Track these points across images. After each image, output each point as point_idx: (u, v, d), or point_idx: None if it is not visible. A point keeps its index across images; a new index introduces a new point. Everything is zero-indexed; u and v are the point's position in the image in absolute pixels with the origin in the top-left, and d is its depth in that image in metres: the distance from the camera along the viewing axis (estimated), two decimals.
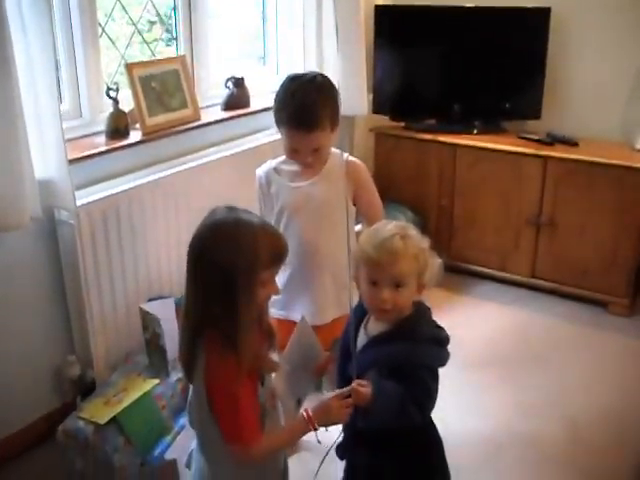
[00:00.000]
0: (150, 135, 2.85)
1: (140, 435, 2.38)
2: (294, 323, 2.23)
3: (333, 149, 2.29)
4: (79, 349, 2.69)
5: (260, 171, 2.31)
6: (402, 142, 3.92)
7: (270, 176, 2.29)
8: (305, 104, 2.12)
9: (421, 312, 1.80)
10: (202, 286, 1.62)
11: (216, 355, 1.63)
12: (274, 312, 2.34)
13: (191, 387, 1.78)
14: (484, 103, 3.91)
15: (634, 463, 2.51)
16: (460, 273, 3.91)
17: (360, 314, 1.87)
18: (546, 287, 3.72)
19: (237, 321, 1.59)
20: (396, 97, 4.00)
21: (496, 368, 3.12)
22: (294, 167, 2.26)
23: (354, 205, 2.29)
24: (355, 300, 2.41)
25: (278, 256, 1.65)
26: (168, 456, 2.35)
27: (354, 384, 1.67)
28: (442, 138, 3.80)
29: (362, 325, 1.86)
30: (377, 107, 3.96)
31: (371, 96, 3.94)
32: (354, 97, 3.66)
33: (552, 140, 3.61)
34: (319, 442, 1.77)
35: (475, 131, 3.83)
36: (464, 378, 3.02)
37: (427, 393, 1.73)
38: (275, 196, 2.26)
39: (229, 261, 1.57)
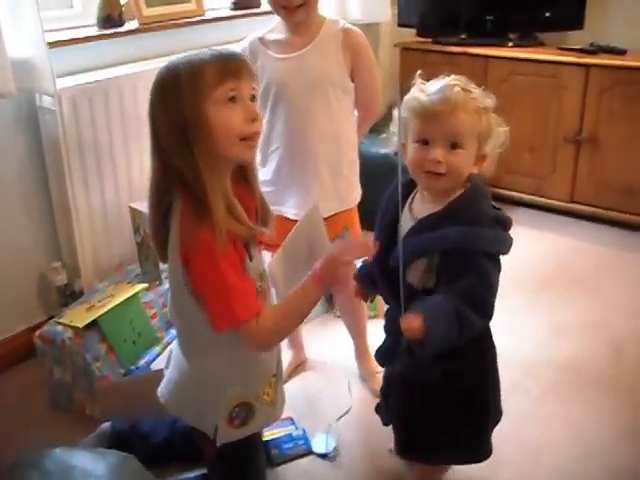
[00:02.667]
0: (146, 26, 2.59)
1: (124, 343, 2.14)
2: (287, 219, 1.97)
3: (329, 17, 1.99)
4: (66, 255, 2.46)
5: (244, 43, 2.01)
6: (429, 57, 3.58)
7: (255, 47, 1.98)
8: None
9: (480, 188, 1.51)
10: (157, 139, 1.41)
11: (189, 221, 1.39)
12: None
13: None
14: (520, 13, 3.53)
15: None
16: (493, 199, 3.57)
17: (402, 193, 1.58)
18: (586, 212, 3.38)
19: (196, 163, 1.36)
20: (423, 8, 3.65)
21: (531, 291, 2.82)
22: (282, 36, 1.96)
23: (352, 82, 2.00)
24: (356, 193, 2.13)
25: (227, 67, 1.38)
26: (155, 367, 2.11)
27: (402, 324, 1.39)
28: (473, 50, 3.46)
29: (406, 206, 1.57)
30: (403, 20, 3.64)
31: (396, 9, 3.64)
32: (376, 3, 3.35)
33: (596, 49, 3.25)
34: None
35: (510, 44, 3.48)
36: (497, 300, 2.73)
37: (490, 287, 1.47)
38: (261, 70, 1.95)
39: (171, 93, 1.37)
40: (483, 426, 1.63)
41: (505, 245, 1.48)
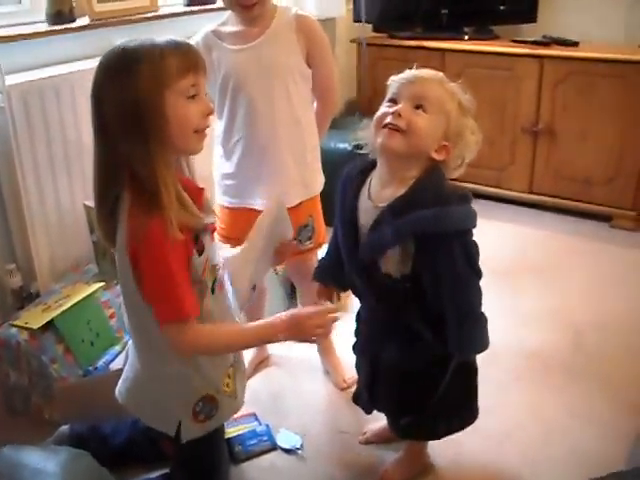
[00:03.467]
0: (98, 22, 2.54)
1: (82, 343, 2.09)
2: (253, 210, 1.95)
3: (280, 5, 1.98)
4: (20, 256, 2.37)
5: (197, 37, 1.96)
6: (385, 51, 3.59)
7: (209, 40, 1.94)
8: None
9: (440, 171, 1.50)
10: (104, 126, 1.35)
11: (138, 215, 1.35)
12: (226, 201, 2.05)
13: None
14: (474, 6, 3.59)
15: None
16: None
17: (354, 180, 1.57)
18: (545, 203, 3.41)
19: (148, 153, 1.31)
20: (378, 4, 3.65)
21: (493, 281, 2.73)
22: (236, 28, 1.94)
23: (309, 68, 1.99)
24: (320, 180, 2.12)
25: (190, 60, 1.35)
26: (114, 367, 2.07)
27: None
28: (429, 44, 3.47)
29: (364, 193, 1.55)
30: (358, 16, 3.63)
31: (351, 4, 3.64)
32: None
33: (549, 41, 3.28)
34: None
35: (465, 37, 3.51)
36: None
37: (469, 260, 1.48)
38: (217, 62, 1.93)
39: (126, 76, 1.30)
40: (473, 386, 1.67)
41: (474, 220, 1.48)
